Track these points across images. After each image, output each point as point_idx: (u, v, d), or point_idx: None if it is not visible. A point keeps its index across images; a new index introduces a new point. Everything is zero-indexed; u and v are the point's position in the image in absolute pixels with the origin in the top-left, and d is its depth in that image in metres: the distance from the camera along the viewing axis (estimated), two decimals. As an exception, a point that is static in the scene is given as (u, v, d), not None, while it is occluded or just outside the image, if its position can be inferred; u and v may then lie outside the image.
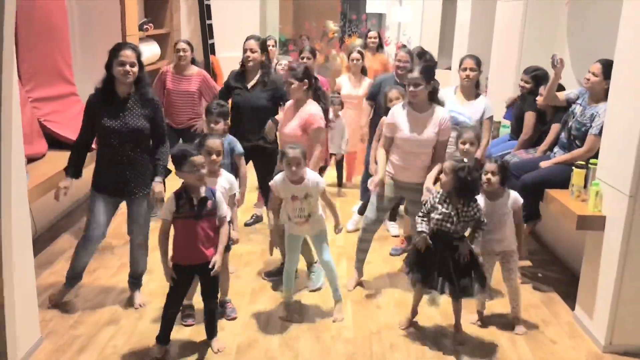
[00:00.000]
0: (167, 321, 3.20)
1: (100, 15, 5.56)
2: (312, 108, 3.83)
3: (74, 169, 3.52)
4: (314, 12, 11.81)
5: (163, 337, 3.20)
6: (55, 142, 4.42)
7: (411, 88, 3.63)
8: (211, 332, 3.29)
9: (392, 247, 4.65)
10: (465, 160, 3.33)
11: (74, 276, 3.65)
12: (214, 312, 3.28)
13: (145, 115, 3.43)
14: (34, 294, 3.20)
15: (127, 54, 3.30)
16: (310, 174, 3.45)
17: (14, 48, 2.41)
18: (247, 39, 4.44)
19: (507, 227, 3.45)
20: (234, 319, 3.56)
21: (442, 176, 3.30)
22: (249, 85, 4.42)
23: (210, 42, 7.87)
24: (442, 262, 3.26)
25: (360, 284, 4.08)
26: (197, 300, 3.49)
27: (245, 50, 4.35)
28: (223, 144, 3.42)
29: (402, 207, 5.11)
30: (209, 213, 3.09)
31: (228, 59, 6.72)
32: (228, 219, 3.27)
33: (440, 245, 3.27)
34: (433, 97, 3.72)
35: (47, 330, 3.35)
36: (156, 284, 3.86)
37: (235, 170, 3.76)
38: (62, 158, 4.24)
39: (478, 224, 3.30)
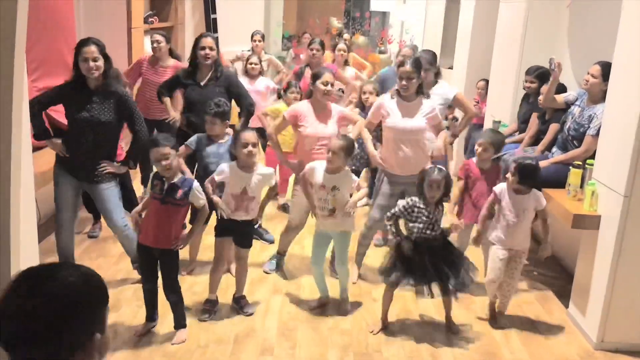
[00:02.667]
0: (145, 300, 3.34)
1: (106, 6, 5.61)
2: (338, 107, 4.10)
3: (39, 129, 3.60)
4: (318, 8, 11.85)
5: (146, 315, 3.34)
6: (59, 131, 4.45)
7: (404, 82, 3.75)
8: (175, 321, 3.33)
9: (375, 238, 4.66)
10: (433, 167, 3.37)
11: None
12: (174, 303, 3.30)
13: (110, 107, 3.53)
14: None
15: (90, 50, 3.41)
16: (347, 170, 3.51)
17: (25, 39, 2.46)
18: (204, 36, 4.36)
19: (524, 224, 3.46)
20: (251, 314, 3.59)
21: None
22: (202, 82, 4.32)
23: (214, 35, 7.90)
24: (424, 267, 3.31)
25: (360, 275, 4.16)
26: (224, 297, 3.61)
27: (203, 48, 4.24)
28: (257, 137, 3.46)
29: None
30: (175, 201, 3.15)
31: (232, 54, 6.75)
32: (254, 212, 3.45)
33: (420, 251, 3.33)
34: (420, 89, 3.85)
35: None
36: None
37: None
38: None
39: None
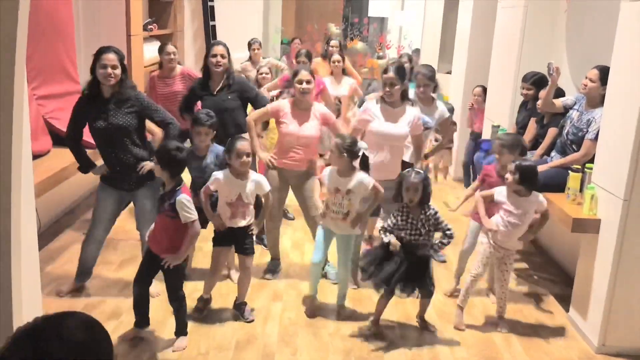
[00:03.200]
0: (133, 303, 3.33)
1: (105, 14, 5.62)
2: (321, 107, 4.09)
3: (82, 162, 3.69)
4: (317, 14, 11.89)
5: (135, 320, 3.34)
6: (59, 138, 4.47)
7: (387, 88, 3.83)
8: (177, 328, 3.33)
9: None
10: (411, 170, 3.40)
11: (83, 271, 3.78)
12: (178, 309, 3.31)
13: (128, 112, 3.53)
14: (38, 288, 3.25)
15: (109, 57, 3.43)
16: (361, 174, 3.52)
17: (25, 47, 2.47)
18: (216, 44, 4.36)
19: (523, 226, 3.47)
20: (252, 321, 3.59)
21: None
22: (215, 91, 4.30)
23: (225, 43, 7.92)
24: (405, 270, 3.34)
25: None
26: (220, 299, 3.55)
27: (214, 55, 4.24)
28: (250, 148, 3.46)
29: None
30: (165, 212, 3.14)
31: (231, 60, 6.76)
32: (250, 219, 3.43)
33: (403, 254, 3.36)
34: (404, 96, 3.90)
35: (50, 323, 3.40)
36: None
37: None
38: (66, 154, 4.29)
39: (444, 231, 3.37)
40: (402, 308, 3.78)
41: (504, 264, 3.56)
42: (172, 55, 4.99)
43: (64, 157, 4.28)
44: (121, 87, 3.52)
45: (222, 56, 4.25)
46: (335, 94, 5.69)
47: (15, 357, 1.16)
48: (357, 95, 6.00)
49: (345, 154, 3.45)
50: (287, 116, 3.95)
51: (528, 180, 3.38)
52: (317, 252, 3.68)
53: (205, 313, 3.61)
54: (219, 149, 3.77)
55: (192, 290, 3.86)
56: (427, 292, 3.47)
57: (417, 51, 9.26)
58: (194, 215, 3.14)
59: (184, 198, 3.10)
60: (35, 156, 4.11)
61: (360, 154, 3.53)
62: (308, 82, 3.90)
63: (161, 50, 5.07)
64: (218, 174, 3.45)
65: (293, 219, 5.23)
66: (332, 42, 6.44)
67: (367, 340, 3.45)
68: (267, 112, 4.04)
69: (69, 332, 1.20)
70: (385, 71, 3.85)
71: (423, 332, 3.57)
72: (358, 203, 3.55)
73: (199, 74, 4.55)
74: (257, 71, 5.65)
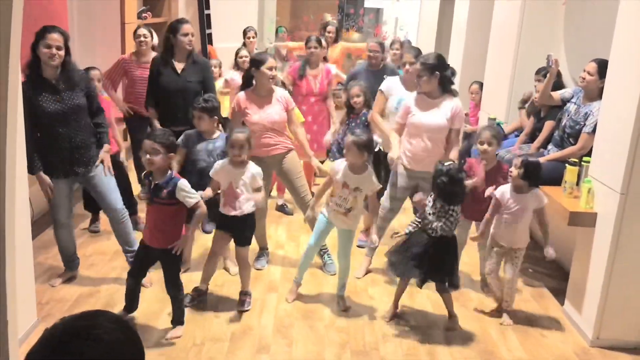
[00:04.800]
0: (125, 291, 3.35)
1: (99, 2, 5.56)
2: (283, 92, 4.09)
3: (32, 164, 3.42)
4: (312, 5, 11.82)
5: (125, 305, 3.36)
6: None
7: (416, 79, 3.84)
8: (173, 316, 3.32)
9: (359, 239, 4.67)
10: (449, 163, 3.34)
11: (67, 259, 3.79)
12: (175, 298, 3.30)
13: (80, 91, 3.49)
14: (31, 277, 3.23)
15: (54, 37, 3.32)
16: (370, 175, 3.50)
17: (19, 40, 2.43)
18: (186, 22, 4.27)
19: (521, 223, 3.48)
20: (244, 311, 3.58)
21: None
22: (179, 70, 4.24)
23: (207, 31, 7.87)
24: (428, 258, 3.33)
25: (369, 271, 4.17)
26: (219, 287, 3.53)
27: (185, 35, 4.17)
28: (247, 138, 3.41)
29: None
30: (161, 201, 3.11)
31: (225, 49, 6.72)
32: (241, 209, 3.40)
33: (424, 242, 3.35)
34: (445, 87, 3.82)
35: (43, 313, 3.38)
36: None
37: None
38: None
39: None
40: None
41: (511, 259, 3.57)
42: (143, 37, 4.92)
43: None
44: (68, 69, 3.42)
45: (193, 35, 4.24)
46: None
47: (44, 351, 1.11)
48: (339, 79, 5.88)
49: (364, 151, 3.43)
50: (248, 106, 3.92)
51: (532, 176, 3.38)
52: (314, 237, 3.69)
53: (196, 302, 3.60)
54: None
55: (187, 281, 3.84)
56: (447, 285, 3.44)
57: (409, 42, 9.19)
58: (196, 195, 3.16)
59: (182, 183, 3.11)
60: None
61: (376, 149, 3.50)
62: (275, 68, 3.92)
63: (135, 32, 5.00)
64: (218, 163, 3.47)
65: (292, 214, 5.19)
66: (329, 28, 6.37)
67: (363, 332, 3.44)
68: (235, 111, 3.99)
69: (104, 332, 1.14)
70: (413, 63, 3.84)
71: (419, 325, 3.56)
72: (361, 202, 3.53)
73: None
74: (236, 54, 5.55)
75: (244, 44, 6.39)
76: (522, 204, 3.42)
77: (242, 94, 3.97)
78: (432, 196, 3.36)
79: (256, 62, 3.88)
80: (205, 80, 4.34)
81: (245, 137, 3.40)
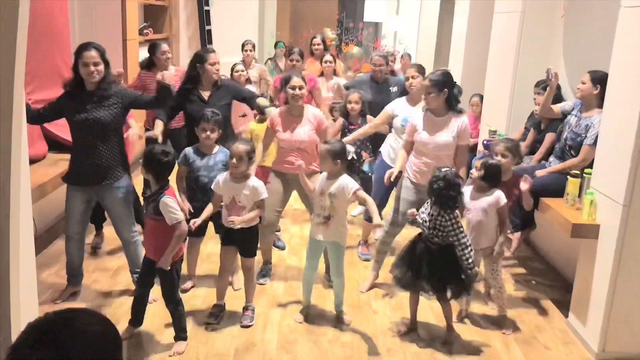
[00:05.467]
0: (132, 303, 3.37)
1: (101, 18, 5.60)
2: (316, 110, 4.14)
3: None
4: (312, 19, 11.90)
5: (130, 319, 3.36)
6: (55, 144, 4.45)
7: (423, 96, 3.83)
8: (175, 333, 3.31)
9: (361, 252, 4.68)
10: (446, 168, 3.37)
11: (72, 273, 3.78)
12: (173, 313, 3.29)
13: (111, 106, 3.53)
14: (34, 295, 3.21)
15: (91, 55, 3.43)
16: (345, 178, 3.49)
17: (25, 52, 2.45)
18: (212, 51, 4.31)
19: (484, 224, 3.53)
20: (247, 326, 3.57)
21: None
22: (206, 97, 4.25)
23: (209, 47, 7.93)
24: (426, 267, 3.33)
25: (374, 286, 4.15)
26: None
27: (213, 64, 4.20)
28: (249, 151, 3.42)
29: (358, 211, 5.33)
30: (151, 215, 3.15)
31: (227, 64, 6.74)
32: (239, 223, 3.37)
33: (424, 250, 3.36)
34: (451, 104, 3.82)
35: (46, 331, 3.36)
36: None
37: None
38: (62, 160, 4.29)
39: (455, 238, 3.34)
40: (401, 313, 3.76)
41: (489, 260, 3.59)
42: (168, 54, 4.96)
43: (60, 162, 4.27)
44: (103, 82, 3.51)
45: (219, 64, 4.29)
46: (327, 95, 5.69)
47: (24, 346, 1.17)
48: (341, 95, 5.92)
49: (337, 159, 3.44)
50: (279, 124, 3.99)
51: (491, 177, 3.50)
52: (307, 260, 3.67)
53: (219, 320, 3.59)
54: (227, 152, 3.79)
55: (190, 297, 3.84)
56: (439, 296, 3.44)
57: (408, 56, 9.24)
58: (180, 215, 3.13)
59: (167, 199, 3.09)
60: (31, 161, 4.08)
61: (349, 157, 3.51)
62: (300, 87, 3.92)
63: (154, 48, 4.99)
64: (219, 177, 3.48)
65: (284, 249, 4.88)
66: (314, 40, 6.47)
67: (367, 347, 3.43)
68: (268, 129, 4.09)
69: (84, 325, 1.22)
70: (425, 79, 3.85)
71: (423, 337, 3.54)
72: (342, 208, 3.50)
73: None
74: (232, 69, 5.60)
75: (243, 60, 6.45)
76: (482, 204, 3.50)
77: (276, 111, 4.06)
78: (428, 202, 3.38)
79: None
80: (236, 94, 4.38)
81: (245, 149, 3.40)
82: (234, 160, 3.38)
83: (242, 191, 3.42)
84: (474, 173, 3.52)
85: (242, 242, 3.54)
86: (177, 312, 3.29)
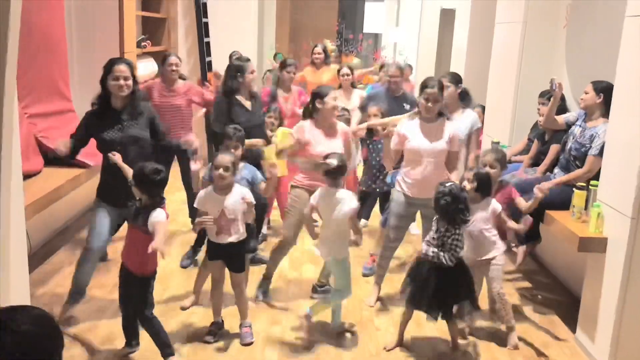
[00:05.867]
0: (122, 322, 3.26)
1: (98, 31, 5.55)
2: (344, 125, 4.08)
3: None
4: (311, 31, 11.88)
5: (126, 341, 3.27)
6: (51, 158, 4.38)
7: (429, 104, 3.71)
8: (161, 350, 3.17)
9: (364, 266, 4.58)
10: (450, 183, 3.31)
11: (77, 291, 3.62)
12: (148, 331, 3.17)
13: (142, 124, 3.56)
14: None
15: (121, 69, 3.43)
16: (344, 192, 3.44)
17: (15, 63, 2.38)
18: (248, 60, 4.40)
19: (481, 234, 3.47)
20: (249, 344, 3.48)
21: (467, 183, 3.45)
22: (248, 106, 4.31)
23: (207, 59, 7.88)
24: (432, 286, 3.26)
25: (380, 299, 4.08)
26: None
27: (251, 72, 4.30)
28: (234, 161, 3.35)
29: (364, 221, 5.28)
30: (138, 227, 3.03)
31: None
32: (238, 234, 3.35)
33: (431, 269, 3.28)
34: (442, 111, 3.81)
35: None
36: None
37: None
38: (58, 175, 4.22)
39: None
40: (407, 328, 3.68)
41: (488, 271, 3.52)
42: (175, 66, 4.85)
43: (56, 177, 4.20)
44: (134, 98, 3.53)
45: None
46: (345, 107, 5.64)
47: None
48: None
49: (339, 175, 3.43)
50: (312, 137, 3.88)
51: (484, 187, 3.47)
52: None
53: (219, 337, 3.52)
54: (253, 167, 3.75)
55: (189, 315, 3.76)
56: (445, 315, 3.36)
57: (409, 67, 9.21)
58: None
59: (161, 213, 3.00)
60: (27, 176, 4.02)
61: (330, 168, 3.43)
62: (334, 99, 3.89)
63: (163, 60, 4.93)
64: (202, 192, 3.40)
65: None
66: (315, 49, 6.49)
67: (370, 365, 3.35)
68: (295, 142, 3.96)
69: (17, 325, 1.27)
70: (426, 86, 3.74)
71: (427, 355, 3.45)
72: (344, 222, 3.42)
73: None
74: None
75: None
76: (477, 214, 3.46)
77: (307, 122, 3.94)
78: (435, 220, 3.30)
79: (317, 95, 3.88)
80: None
81: (230, 159, 3.32)
82: (221, 170, 3.29)
83: (229, 202, 3.34)
84: (467, 185, 3.45)
85: (233, 256, 3.45)
86: (153, 329, 3.15)
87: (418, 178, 3.76)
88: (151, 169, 3.05)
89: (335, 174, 3.42)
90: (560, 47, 4.90)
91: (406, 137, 3.78)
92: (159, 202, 3.05)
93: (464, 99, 4.46)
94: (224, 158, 3.32)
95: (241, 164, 3.71)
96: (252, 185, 3.61)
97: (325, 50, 6.53)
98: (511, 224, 3.55)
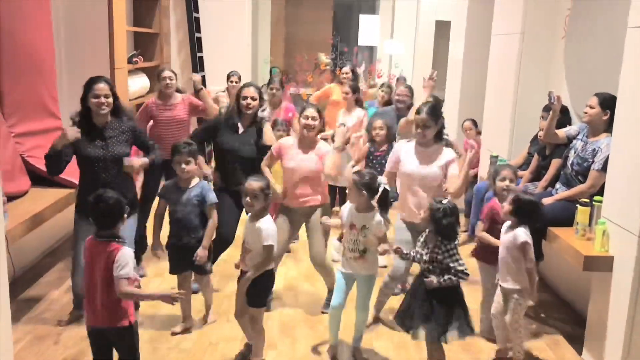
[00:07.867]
0: None
1: (88, 47, 5.45)
2: (326, 145, 3.98)
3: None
4: (306, 44, 11.81)
5: None
6: (38, 178, 4.25)
7: (419, 130, 3.64)
8: None
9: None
10: (446, 200, 3.14)
11: (79, 299, 3.65)
12: None
13: (125, 140, 3.62)
14: (9, 343, 2.99)
15: (100, 87, 3.48)
16: (376, 210, 3.33)
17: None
18: (247, 86, 4.24)
19: (506, 263, 3.30)
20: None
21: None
22: (242, 130, 4.18)
23: (201, 74, 7.79)
24: (421, 305, 3.10)
25: (377, 320, 3.97)
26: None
27: (245, 98, 4.12)
28: (262, 187, 3.17)
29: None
30: (104, 259, 2.65)
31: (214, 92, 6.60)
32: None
33: (421, 287, 3.13)
34: (439, 136, 3.72)
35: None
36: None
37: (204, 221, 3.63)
38: (45, 195, 4.09)
39: (450, 272, 3.07)
40: (405, 352, 3.54)
41: (506, 301, 3.36)
42: (168, 80, 4.79)
43: (43, 197, 4.06)
44: (118, 115, 3.60)
45: (253, 98, 4.15)
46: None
47: None
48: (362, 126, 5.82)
49: (364, 191, 3.25)
50: (288, 152, 3.92)
51: (522, 214, 3.26)
52: (336, 295, 3.43)
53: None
54: (207, 187, 3.65)
55: (180, 340, 3.62)
56: (428, 335, 3.10)
57: (404, 79, 9.12)
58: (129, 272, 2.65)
59: (124, 253, 2.66)
60: (13, 197, 3.90)
61: (381, 189, 3.31)
62: (313, 118, 3.86)
63: (158, 76, 4.88)
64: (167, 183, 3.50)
65: None
66: (344, 70, 6.39)
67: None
68: (272, 155, 3.99)
69: None
70: (418, 112, 3.64)
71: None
72: (374, 241, 3.30)
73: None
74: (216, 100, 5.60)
75: (227, 89, 6.31)
76: (506, 235, 3.34)
77: (289, 138, 4.04)
78: (424, 236, 3.17)
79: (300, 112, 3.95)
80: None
81: (259, 186, 3.16)
82: (248, 198, 3.16)
83: (250, 232, 3.21)
84: (506, 207, 3.31)
85: (253, 289, 3.22)
86: None
87: (416, 206, 3.65)
88: (95, 197, 2.69)
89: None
90: (559, 58, 4.81)
91: (399, 160, 3.73)
92: (112, 236, 2.69)
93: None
94: (252, 185, 3.15)
95: (195, 181, 3.63)
96: (201, 206, 3.58)
97: (353, 70, 6.41)
98: (493, 240, 3.47)
